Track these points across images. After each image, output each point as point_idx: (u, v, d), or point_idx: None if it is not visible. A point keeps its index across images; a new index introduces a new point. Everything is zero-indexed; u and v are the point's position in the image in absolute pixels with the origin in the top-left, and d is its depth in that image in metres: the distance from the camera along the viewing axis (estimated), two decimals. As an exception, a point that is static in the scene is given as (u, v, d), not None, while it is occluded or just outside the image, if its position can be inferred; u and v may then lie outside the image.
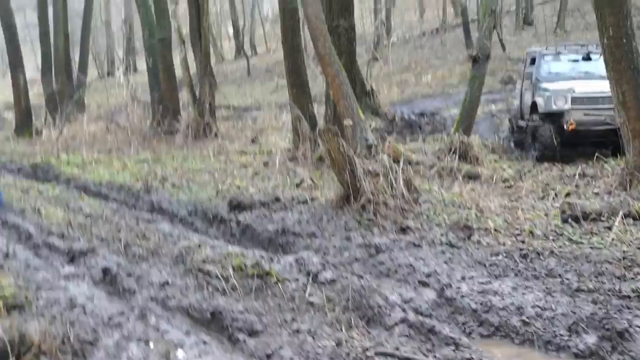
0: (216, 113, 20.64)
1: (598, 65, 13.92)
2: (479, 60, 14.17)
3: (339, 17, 14.29)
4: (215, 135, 18.99)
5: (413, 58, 32.64)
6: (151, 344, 5.57)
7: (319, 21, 11.60)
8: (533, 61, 15.16)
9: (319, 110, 15.86)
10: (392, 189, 9.20)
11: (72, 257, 8.11)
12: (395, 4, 39.12)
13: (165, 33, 21.24)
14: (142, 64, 41.72)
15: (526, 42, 29.65)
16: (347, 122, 10.27)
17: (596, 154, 12.29)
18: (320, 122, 14.47)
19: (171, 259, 7.71)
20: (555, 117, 13.48)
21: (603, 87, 12.75)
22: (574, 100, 13.34)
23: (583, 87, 13.62)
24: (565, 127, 13.22)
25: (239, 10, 48.20)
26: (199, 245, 7.89)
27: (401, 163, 9.66)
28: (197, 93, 19.82)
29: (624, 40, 9.58)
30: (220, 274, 6.87)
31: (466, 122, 14.15)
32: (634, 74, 9.66)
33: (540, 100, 13.89)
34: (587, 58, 14.70)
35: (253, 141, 17.73)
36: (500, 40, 28.70)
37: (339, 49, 12.98)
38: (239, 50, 46.43)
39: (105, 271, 7.35)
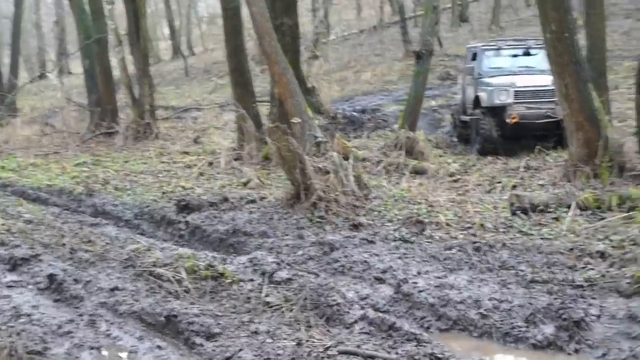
0: (156, 114, 20.25)
1: (538, 59, 14.21)
2: (422, 56, 14.22)
3: (282, 15, 14.16)
4: (156, 136, 18.59)
5: (352, 56, 32.74)
6: (103, 352, 5.39)
7: (264, 19, 11.48)
8: (474, 56, 15.31)
9: (261, 110, 15.71)
10: (342, 186, 9.16)
11: (14, 265, 7.77)
12: (333, 3, 39.08)
13: (102, 34, 20.70)
14: (75, 66, 40.69)
15: (462, 38, 30.08)
16: (296, 120, 10.17)
17: (538, 147, 12.52)
18: (265, 121, 14.34)
19: (120, 264, 7.47)
20: (498, 111, 13.65)
21: (544, 81, 13.04)
22: (517, 94, 13.54)
23: (524, 81, 13.83)
24: (508, 120, 13.40)
25: (175, 11, 47.46)
26: (149, 249, 7.69)
27: (350, 160, 9.64)
28: (135, 94, 19.39)
29: (566, 35, 9.76)
30: (172, 277, 6.70)
31: (411, 118, 14.17)
32: (575, 67, 9.85)
33: (483, 95, 14.03)
34: (527, 53, 14.93)
35: (195, 141, 17.42)
36: (438, 38, 28.99)
37: (284, 47, 12.88)
38: (176, 50, 45.68)
39: (51, 278, 7.06)
